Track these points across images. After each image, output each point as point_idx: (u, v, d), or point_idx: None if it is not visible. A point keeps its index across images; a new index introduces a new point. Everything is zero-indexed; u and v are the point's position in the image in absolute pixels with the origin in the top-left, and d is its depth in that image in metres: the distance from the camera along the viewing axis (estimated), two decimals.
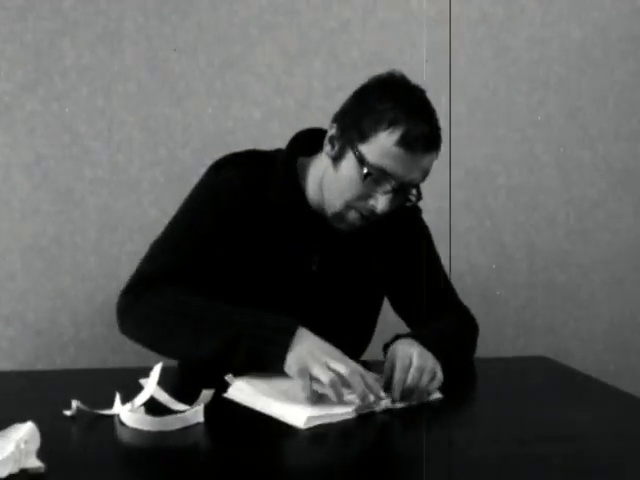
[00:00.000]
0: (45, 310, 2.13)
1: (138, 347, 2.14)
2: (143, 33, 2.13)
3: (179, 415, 1.11)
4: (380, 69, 2.26)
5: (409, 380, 1.21)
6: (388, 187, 1.35)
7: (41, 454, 0.93)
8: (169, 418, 1.10)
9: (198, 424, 1.11)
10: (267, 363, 1.23)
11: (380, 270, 1.56)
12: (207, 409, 1.14)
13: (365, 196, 1.37)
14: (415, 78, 2.33)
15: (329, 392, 1.15)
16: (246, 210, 1.43)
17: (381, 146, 1.33)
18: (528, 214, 2.40)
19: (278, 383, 1.24)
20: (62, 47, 2.09)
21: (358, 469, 1.01)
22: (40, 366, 2.10)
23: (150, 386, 1.17)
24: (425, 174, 1.38)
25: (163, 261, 1.38)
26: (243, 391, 1.24)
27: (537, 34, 2.35)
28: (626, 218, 2.46)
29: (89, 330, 2.15)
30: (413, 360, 1.23)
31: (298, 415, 1.12)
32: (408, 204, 1.42)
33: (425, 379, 1.22)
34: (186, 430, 1.09)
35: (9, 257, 2.10)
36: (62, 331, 2.13)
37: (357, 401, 1.16)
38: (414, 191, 1.40)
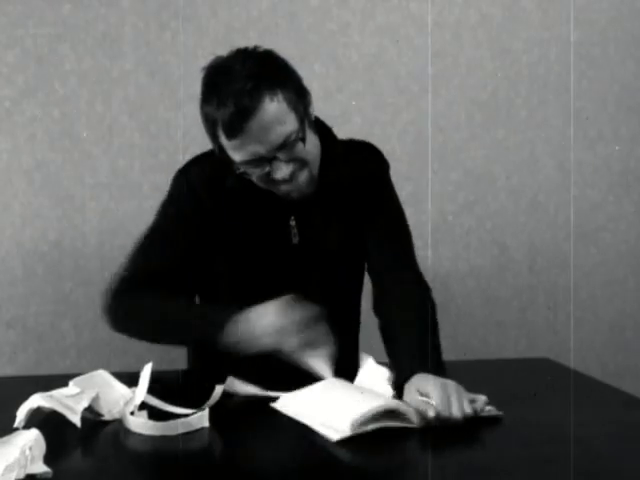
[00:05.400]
0: (46, 315, 2.13)
1: (140, 351, 2.14)
2: (143, 38, 2.13)
3: (183, 420, 1.11)
4: (379, 72, 2.28)
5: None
6: (265, 164, 1.35)
7: (47, 459, 0.93)
8: (173, 423, 1.10)
9: (202, 429, 1.11)
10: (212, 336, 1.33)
11: (356, 227, 1.54)
12: (211, 413, 1.14)
13: (266, 175, 1.37)
14: (414, 81, 2.33)
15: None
16: (214, 204, 1.47)
17: (227, 147, 1.36)
18: (528, 215, 2.40)
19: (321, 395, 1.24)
20: (62, 52, 2.10)
21: (360, 472, 1.01)
22: (42, 371, 2.10)
23: (142, 387, 1.17)
24: (275, 124, 1.32)
25: (136, 264, 1.49)
26: (289, 405, 1.23)
27: (536, 36, 2.36)
28: (626, 219, 2.46)
29: (90, 334, 2.15)
30: (452, 410, 1.15)
31: (338, 426, 1.09)
32: (304, 149, 1.37)
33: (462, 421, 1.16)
34: (190, 435, 1.09)
35: (10, 262, 2.10)
36: (64, 335, 2.13)
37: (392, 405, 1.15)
38: (292, 135, 1.34)
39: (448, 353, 1.44)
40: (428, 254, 2.27)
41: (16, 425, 1.09)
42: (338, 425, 1.08)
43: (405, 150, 2.28)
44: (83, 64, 2.11)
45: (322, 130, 1.53)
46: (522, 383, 1.44)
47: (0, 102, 2.08)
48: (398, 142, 2.28)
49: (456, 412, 1.15)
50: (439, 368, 1.28)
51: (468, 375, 1.42)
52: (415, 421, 1.15)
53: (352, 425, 1.07)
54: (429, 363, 1.27)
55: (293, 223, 1.48)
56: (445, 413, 1.14)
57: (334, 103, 2.25)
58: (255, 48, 1.41)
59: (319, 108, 2.26)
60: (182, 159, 2.14)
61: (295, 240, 1.49)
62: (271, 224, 1.48)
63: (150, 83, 2.14)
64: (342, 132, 2.23)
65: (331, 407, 1.17)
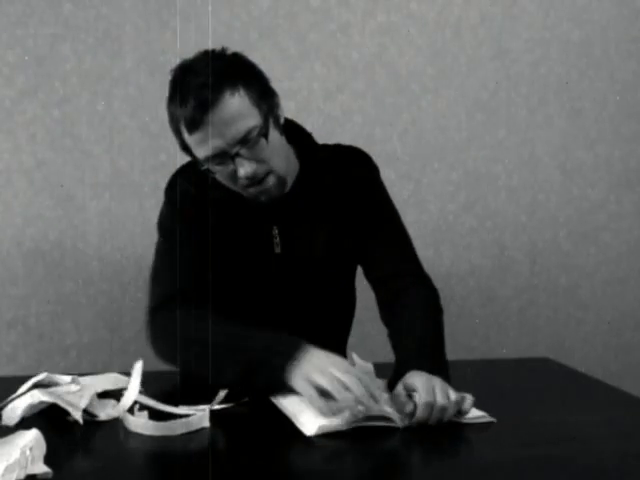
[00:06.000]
0: (47, 314, 2.13)
1: (140, 351, 2.14)
2: (143, 37, 2.13)
3: (183, 420, 1.11)
4: (379, 71, 2.28)
5: (433, 418, 1.15)
6: (228, 161, 1.34)
7: (47, 460, 0.93)
8: (173, 423, 1.10)
9: (202, 429, 1.11)
10: (274, 381, 1.21)
11: (344, 232, 1.52)
12: (212, 414, 1.14)
13: (232, 174, 1.37)
14: (414, 80, 2.33)
15: (334, 396, 1.13)
16: (197, 216, 1.46)
17: (190, 143, 1.36)
18: (529, 215, 2.40)
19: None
20: (63, 52, 2.10)
21: (360, 472, 1.01)
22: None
23: (134, 385, 1.17)
24: (235, 118, 1.32)
25: (160, 291, 1.41)
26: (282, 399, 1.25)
27: (537, 35, 2.36)
28: (627, 219, 2.46)
29: (91, 334, 2.15)
30: (437, 398, 1.15)
31: (310, 422, 1.12)
32: (267, 147, 1.35)
33: (450, 412, 1.16)
34: (190, 435, 1.09)
35: (11, 262, 2.10)
36: (64, 335, 2.14)
37: (368, 410, 1.15)
38: (254, 131, 1.33)
39: (448, 353, 1.44)
40: (429, 254, 2.27)
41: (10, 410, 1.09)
42: (309, 424, 1.12)
43: (405, 150, 2.28)
44: (84, 64, 2.11)
45: (301, 135, 1.51)
46: (522, 383, 1.45)
47: (0, 102, 2.08)
48: (398, 142, 2.28)
49: (440, 398, 1.14)
50: (441, 369, 1.27)
51: (468, 375, 1.43)
52: (396, 421, 1.14)
53: (318, 429, 1.10)
54: (428, 363, 1.27)
55: (276, 232, 1.48)
56: (430, 398, 1.14)
57: (334, 103, 2.25)
58: (223, 49, 1.40)
59: (319, 108, 2.28)
60: (182, 159, 2.16)
61: (278, 250, 1.48)
62: (254, 234, 1.47)
63: (151, 83, 2.14)
64: (343, 132, 2.24)
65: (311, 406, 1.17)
